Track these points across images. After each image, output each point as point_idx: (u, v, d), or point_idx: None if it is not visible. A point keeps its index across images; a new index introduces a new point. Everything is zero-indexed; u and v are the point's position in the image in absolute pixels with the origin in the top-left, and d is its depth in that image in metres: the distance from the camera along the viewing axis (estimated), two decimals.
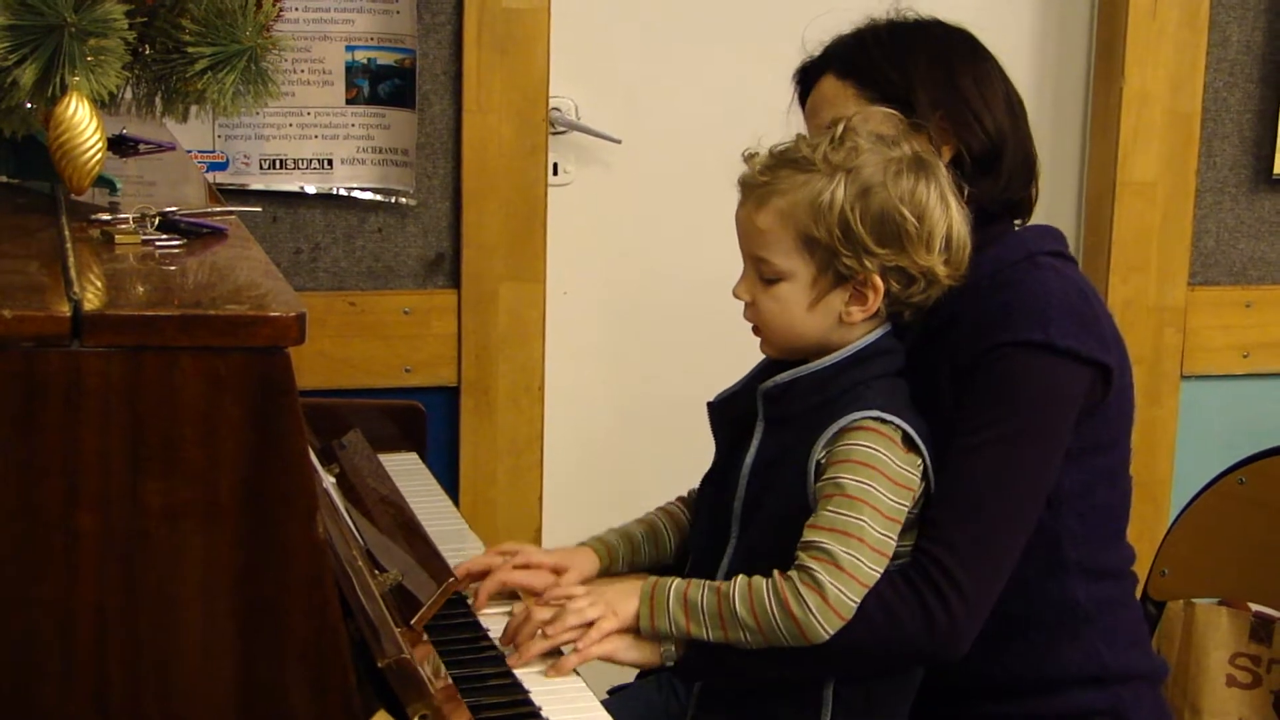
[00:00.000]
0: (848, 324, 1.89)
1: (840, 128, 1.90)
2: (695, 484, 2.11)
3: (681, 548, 2.11)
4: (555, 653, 1.83)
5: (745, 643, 1.82)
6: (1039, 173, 2.08)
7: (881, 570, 1.81)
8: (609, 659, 1.86)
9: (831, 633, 1.79)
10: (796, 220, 1.86)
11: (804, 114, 2.10)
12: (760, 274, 1.90)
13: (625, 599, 1.86)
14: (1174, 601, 2.35)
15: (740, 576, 1.83)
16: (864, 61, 2.03)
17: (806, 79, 2.10)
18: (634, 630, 1.86)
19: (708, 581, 1.86)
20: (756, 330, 1.94)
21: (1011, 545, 1.89)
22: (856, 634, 1.80)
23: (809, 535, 1.81)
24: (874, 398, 1.87)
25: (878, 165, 1.86)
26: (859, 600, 1.79)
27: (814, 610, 1.78)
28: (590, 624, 1.83)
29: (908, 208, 1.86)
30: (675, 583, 1.86)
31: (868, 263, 1.86)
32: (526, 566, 2.00)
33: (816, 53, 2.09)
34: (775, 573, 1.81)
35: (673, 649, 1.86)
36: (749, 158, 1.93)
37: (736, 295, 1.93)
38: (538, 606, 1.86)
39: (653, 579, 1.88)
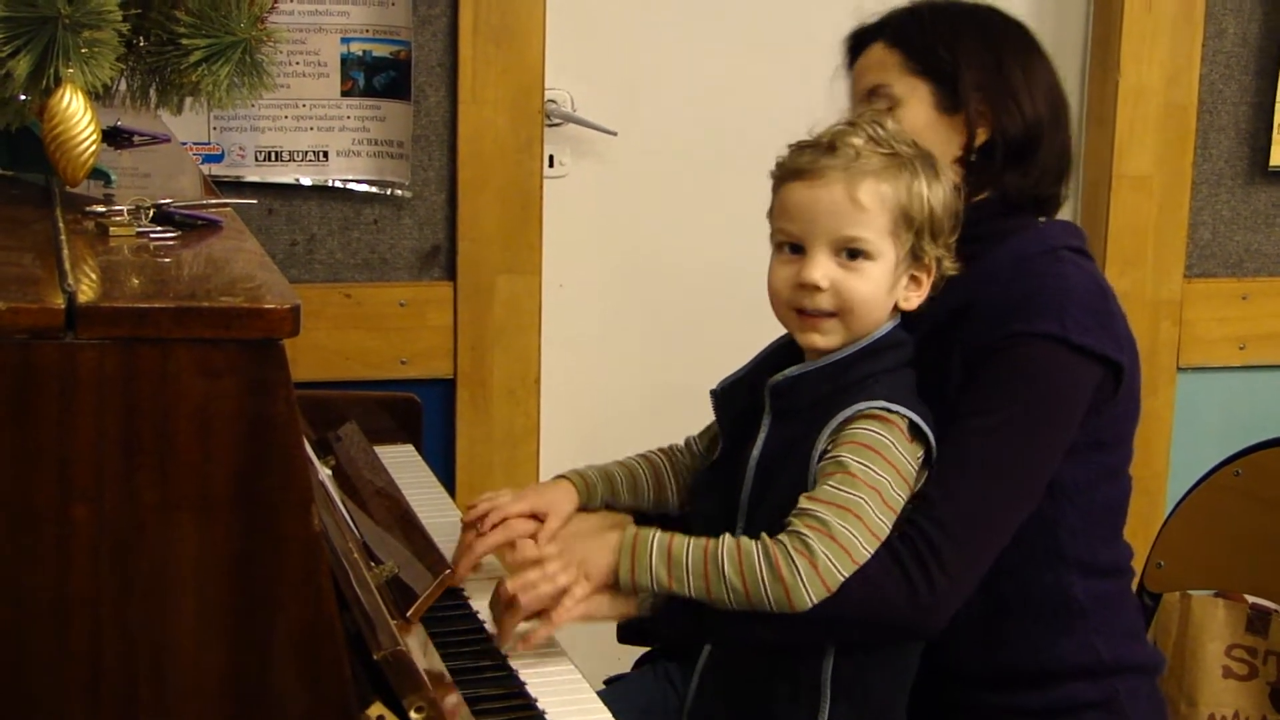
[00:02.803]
0: (901, 309, 1.92)
1: (887, 120, 1.93)
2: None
3: (658, 501, 2.12)
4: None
5: (728, 602, 1.80)
6: (1070, 173, 2.09)
7: (873, 552, 1.81)
8: (584, 620, 1.84)
9: (815, 602, 1.78)
10: (899, 201, 1.87)
11: (849, 77, 2.11)
12: (845, 254, 1.88)
13: (598, 555, 1.85)
14: (1170, 593, 2.36)
15: (728, 535, 1.82)
16: (916, 33, 2.05)
17: (857, 44, 2.11)
18: (609, 585, 1.85)
19: (692, 537, 1.84)
20: (818, 319, 1.89)
21: (1000, 528, 1.88)
22: (837, 605, 1.79)
23: (805, 504, 1.80)
24: (881, 389, 1.87)
25: (924, 158, 1.91)
26: (847, 575, 1.78)
27: (803, 576, 1.77)
28: (562, 590, 1.82)
29: (954, 198, 1.92)
30: (657, 535, 1.84)
31: (935, 249, 1.90)
32: (504, 520, 1.99)
33: (871, 20, 2.10)
34: (764, 535, 1.81)
35: (651, 598, 1.85)
36: (811, 142, 1.91)
37: (811, 282, 1.87)
38: (509, 581, 1.83)
39: (632, 529, 1.86)
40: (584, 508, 2.07)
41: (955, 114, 2.00)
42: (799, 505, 1.80)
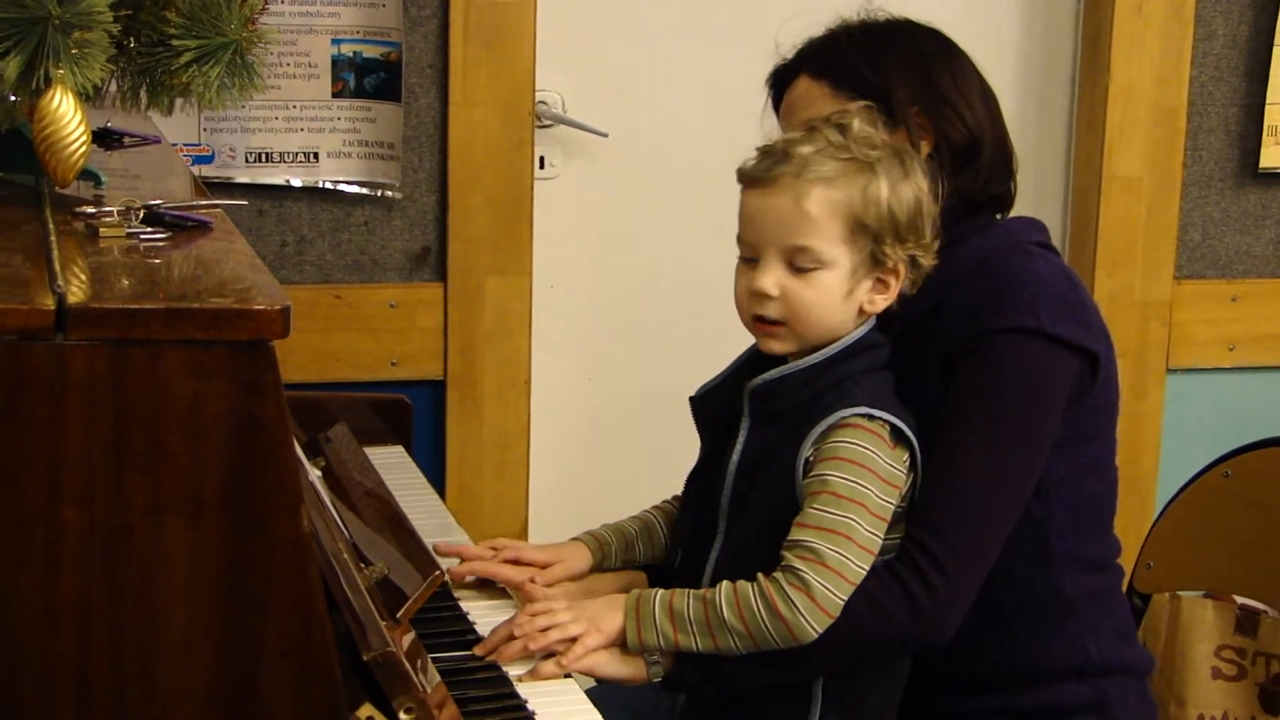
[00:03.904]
0: (867, 313, 1.90)
1: (850, 120, 1.91)
2: (683, 476, 2.11)
3: (673, 541, 2.10)
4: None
5: (735, 648, 1.82)
6: (1017, 165, 2.09)
7: (868, 567, 1.81)
8: (591, 673, 1.85)
9: (820, 631, 1.79)
10: (850, 208, 1.85)
11: (778, 116, 2.10)
12: (793, 264, 1.87)
13: (609, 614, 1.84)
14: (1159, 594, 2.36)
15: (725, 583, 1.83)
16: (838, 61, 2.03)
17: (780, 81, 2.10)
18: (618, 645, 1.85)
19: (692, 590, 1.85)
20: (772, 326, 1.89)
21: (997, 531, 1.89)
22: (843, 629, 1.80)
23: (795, 534, 1.80)
24: (861, 394, 1.86)
25: (893, 157, 1.89)
26: (846, 598, 1.79)
27: (802, 610, 1.78)
28: (573, 639, 1.82)
29: (924, 197, 1.89)
30: (659, 594, 1.85)
31: (900, 251, 1.88)
32: (517, 562, 2.00)
33: (790, 55, 2.09)
34: (760, 576, 1.81)
35: (659, 663, 1.86)
36: (769, 148, 1.91)
37: (762, 290, 1.87)
38: (519, 621, 1.84)
39: (636, 591, 1.87)
40: (600, 568, 2.07)
41: (895, 131, 1.97)
42: (790, 536, 1.81)
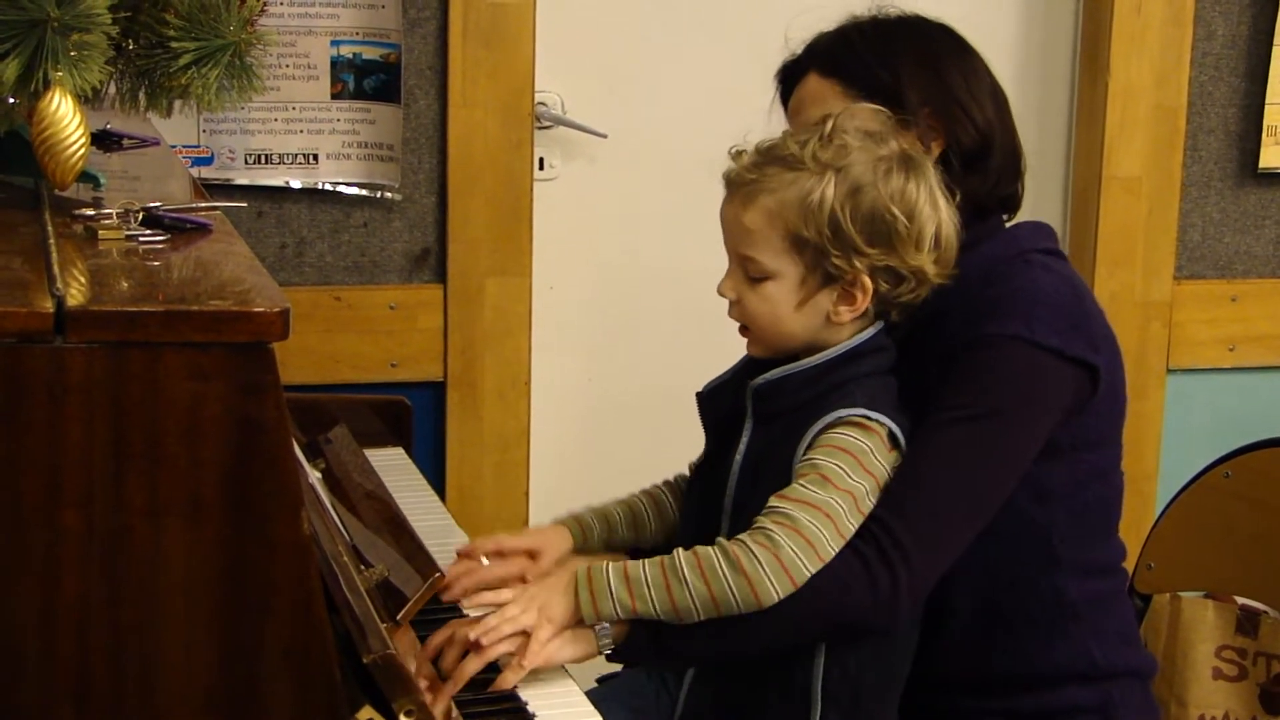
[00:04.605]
0: (836, 324, 1.88)
1: (829, 125, 1.89)
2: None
3: (664, 532, 2.09)
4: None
5: (693, 611, 1.78)
6: (1025, 166, 2.08)
7: (838, 551, 1.79)
8: (547, 664, 1.80)
9: (781, 594, 1.76)
10: (786, 219, 1.84)
11: (786, 113, 2.09)
12: (747, 272, 1.88)
13: (557, 599, 1.80)
14: (1160, 595, 2.36)
15: (680, 549, 1.80)
16: (849, 59, 2.02)
17: (789, 78, 2.09)
18: (570, 625, 1.81)
19: (646, 559, 1.82)
20: (743, 329, 1.93)
21: (964, 525, 1.87)
22: (798, 601, 1.78)
23: (774, 502, 1.79)
24: (861, 395, 1.86)
25: (867, 163, 1.85)
26: (813, 570, 1.77)
27: (766, 568, 1.75)
28: (524, 632, 1.78)
29: (898, 207, 1.85)
30: (610, 564, 1.81)
31: (857, 262, 1.84)
32: (500, 554, 1.99)
33: (799, 51, 2.08)
34: (720, 539, 1.80)
35: (609, 634, 1.82)
36: (735, 155, 1.92)
37: (721, 293, 1.91)
38: (465, 625, 1.80)
39: (583, 565, 1.83)
40: (582, 550, 2.05)
41: (906, 132, 1.95)
42: (769, 504, 1.79)
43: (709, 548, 1.79)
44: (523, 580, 1.95)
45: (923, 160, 1.90)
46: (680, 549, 1.80)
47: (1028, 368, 1.90)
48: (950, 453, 1.87)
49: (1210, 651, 2.34)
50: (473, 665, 1.76)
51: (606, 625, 1.81)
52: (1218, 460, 2.33)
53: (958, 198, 1.93)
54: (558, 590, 1.81)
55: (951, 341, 1.93)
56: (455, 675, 1.75)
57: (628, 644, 1.82)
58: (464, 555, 2.01)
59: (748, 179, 1.88)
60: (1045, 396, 1.91)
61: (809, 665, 1.87)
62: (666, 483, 2.14)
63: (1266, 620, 2.30)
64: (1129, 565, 2.18)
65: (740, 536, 1.78)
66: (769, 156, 1.88)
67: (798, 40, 2.08)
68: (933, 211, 1.87)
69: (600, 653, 1.83)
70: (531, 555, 1.99)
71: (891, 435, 1.85)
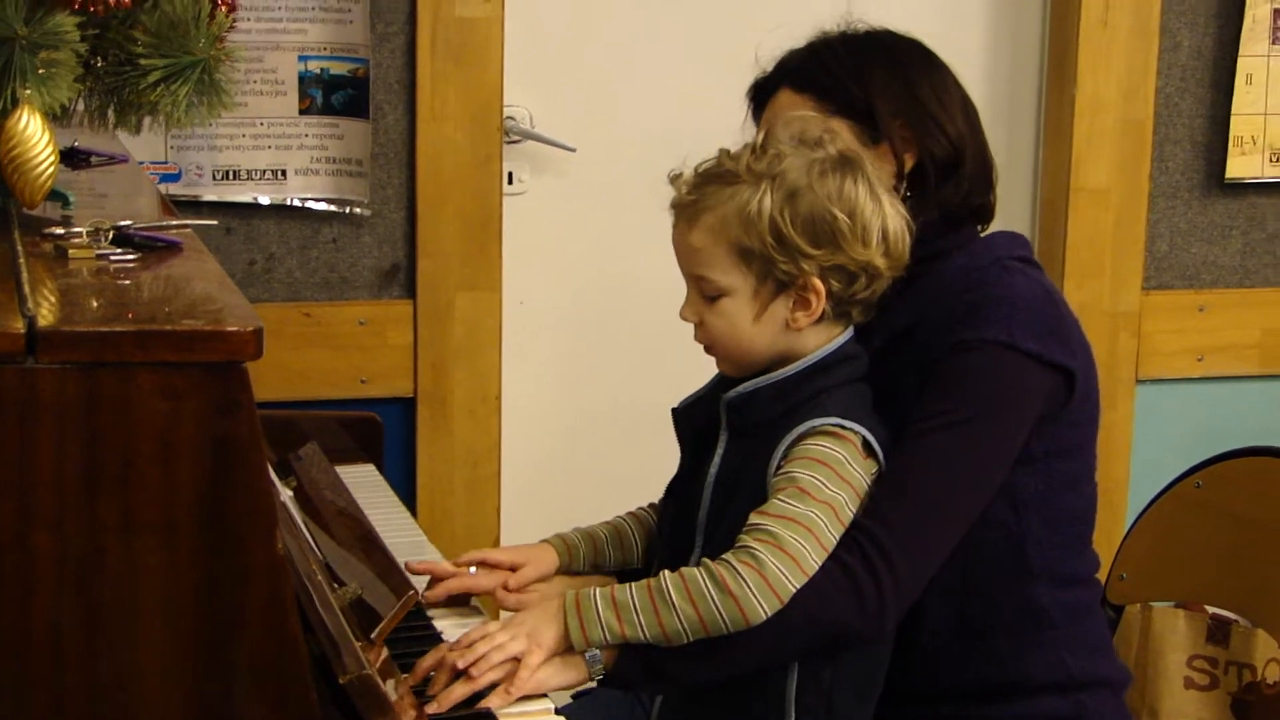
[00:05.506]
0: (795, 330, 1.89)
1: (760, 136, 1.91)
2: (655, 492, 2.11)
3: (649, 553, 2.09)
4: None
5: (682, 634, 1.78)
6: (997, 177, 2.09)
7: (821, 564, 1.79)
8: (538, 691, 1.78)
9: (770, 612, 1.76)
10: (728, 233, 1.85)
11: (758, 129, 2.09)
12: (702, 292, 1.89)
13: (545, 625, 1.80)
14: (1132, 605, 2.36)
15: (667, 571, 1.80)
16: (821, 74, 2.03)
17: (761, 95, 2.10)
18: (559, 652, 1.80)
19: (634, 583, 1.82)
20: (709, 350, 1.93)
21: (947, 531, 1.88)
22: (787, 617, 1.77)
23: (754, 519, 1.79)
24: (834, 405, 1.86)
25: (801, 168, 1.86)
26: (798, 586, 1.76)
27: (752, 587, 1.75)
28: (514, 659, 1.77)
29: (837, 206, 1.86)
30: (599, 590, 1.81)
31: (805, 265, 1.85)
32: (484, 564, 1.99)
33: (770, 68, 2.09)
34: (705, 560, 1.80)
35: (600, 660, 1.81)
36: (674, 179, 1.93)
37: (683, 318, 1.92)
38: (453, 651, 1.78)
39: (572, 591, 1.83)
40: (567, 570, 2.05)
41: (878, 145, 1.98)
42: (749, 521, 1.79)
43: (694, 569, 1.79)
44: (504, 588, 1.97)
45: (859, 159, 1.91)
46: (666, 572, 1.80)
47: (1007, 372, 1.91)
48: (934, 459, 1.87)
49: (1182, 661, 2.34)
50: (460, 691, 1.75)
51: (596, 652, 1.81)
52: (1188, 471, 2.34)
53: (927, 209, 1.94)
54: (546, 617, 1.81)
55: (929, 349, 1.93)
56: (440, 699, 1.74)
57: (618, 669, 1.82)
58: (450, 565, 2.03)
59: (688, 200, 1.89)
60: (1023, 397, 1.92)
61: (783, 678, 1.86)
62: (652, 505, 2.14)
63: (1237, 629, 2.31)
64: (1101, 577, 2.18)
65: (725, 556, 1.78)
66: (706, 176, 1.89)
67: (768, 58, 2.08)
68: (875, 206, 1.88)
69: (591, 679, 1.83)
70: (515, 570, 1.99)
71: (866, 443, 1.85)
